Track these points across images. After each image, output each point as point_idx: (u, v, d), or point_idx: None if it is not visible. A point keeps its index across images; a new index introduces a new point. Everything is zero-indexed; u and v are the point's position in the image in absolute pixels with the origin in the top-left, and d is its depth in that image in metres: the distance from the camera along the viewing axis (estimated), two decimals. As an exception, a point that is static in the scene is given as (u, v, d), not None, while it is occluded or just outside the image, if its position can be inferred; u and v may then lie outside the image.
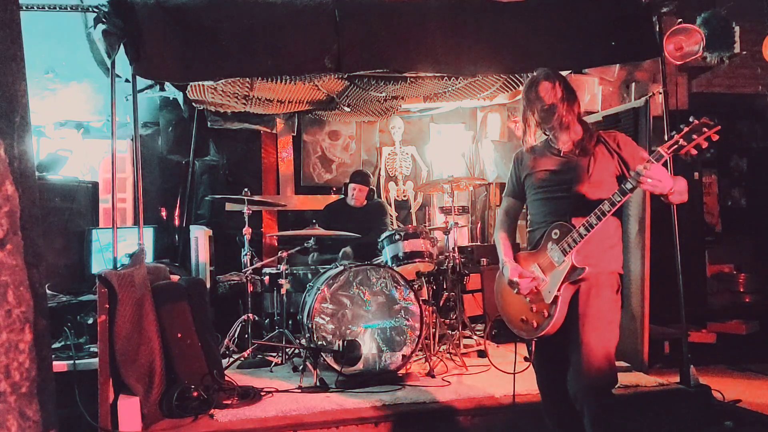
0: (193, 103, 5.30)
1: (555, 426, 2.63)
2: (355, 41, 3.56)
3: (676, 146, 2.23)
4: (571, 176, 2.48)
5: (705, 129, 2.19)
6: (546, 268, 2.45)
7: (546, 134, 2.59)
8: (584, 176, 2.46)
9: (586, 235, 2.34)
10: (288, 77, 4.45)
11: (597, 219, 2.33)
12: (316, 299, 3.79)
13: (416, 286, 4.16)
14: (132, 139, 5.10)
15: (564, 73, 3.01)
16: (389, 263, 4.24)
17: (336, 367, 3.71)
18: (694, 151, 2.22)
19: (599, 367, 2.32)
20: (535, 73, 2.55)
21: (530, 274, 2.47)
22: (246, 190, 4.59)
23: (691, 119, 2.21)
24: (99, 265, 4.23)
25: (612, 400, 2.41)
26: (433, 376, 3.88)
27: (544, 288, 2.44)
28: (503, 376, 3.88)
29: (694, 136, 2.20)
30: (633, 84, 5.67)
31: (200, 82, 4.50)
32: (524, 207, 2.75)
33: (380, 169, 6.40)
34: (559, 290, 2.39)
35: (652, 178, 2.24)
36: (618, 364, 3.13)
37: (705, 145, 2.21)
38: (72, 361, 3.25)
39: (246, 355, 4.30)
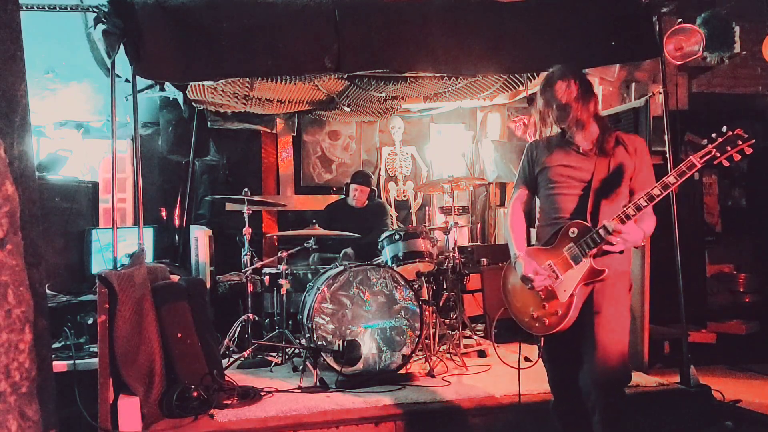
0: (193, 103, 5.30)
1: (563, 425, 2.62)
2: (355, 41, 3.56)
3: (709, 156, 2.21)
4: (590, 174, 2.45)
5: (739, 141, 2.19)
6: (562, 266, 2.42)
7: (563, 129, 2.56)
8: (603, 175, 2.43)
9: (607, 236, 2.31)
10: (288, 77, 4.45)
11: (620, 222, 2.30)
12: (316, 299, 3.79)
13: (416, 286, 4.16)
14: (132, 139, 5.09)
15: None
16: (389, 263, 4.24)
17: (336, 367, 3.71)
18: (726, 163, 2.21)
19: (614, 365, 2.33)
20: (551, 70, 2.52)
21: (545, 271, 2.43)
22: (246, 190, 4.59)
23: (724, 129, 2.21)
24: (99, 265, 4.23)
25: (624, 398, 2.42)
26: (433, 376, 3.88)
27: (559, 286, 2.41)
28: (503, 376, 3.89)
29: (728, 148, 2.20)
30: (633, 84, 5.67)
31: (200, 82, 4.50)
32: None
33: (380, 169, 6.40)
34: (575, 290, 2.37)
35: (623, 238, 2.26)
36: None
37: (738, 158, 2.21)
38: (72, 361, 3.25)
39: (246, 355, 4.30)
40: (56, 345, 3.43)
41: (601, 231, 2.31)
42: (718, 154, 2.20)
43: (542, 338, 2.50)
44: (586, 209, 2.42)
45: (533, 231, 2.73)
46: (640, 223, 2.36)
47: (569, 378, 2.46)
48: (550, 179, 2.54)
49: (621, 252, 2.40)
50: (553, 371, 2.61)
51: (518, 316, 2.57)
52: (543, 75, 4.85)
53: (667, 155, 3.79)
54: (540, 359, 2.62)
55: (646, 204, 2.28)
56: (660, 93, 3.99)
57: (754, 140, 2.19)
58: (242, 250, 4.59)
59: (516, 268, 2.52)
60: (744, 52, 5.21)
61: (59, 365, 3.18)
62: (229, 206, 5.69)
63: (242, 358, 4.29)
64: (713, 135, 2.22)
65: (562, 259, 2.42)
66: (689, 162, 2.23)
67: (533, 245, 2.59)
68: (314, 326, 3.76)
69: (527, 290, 2.48)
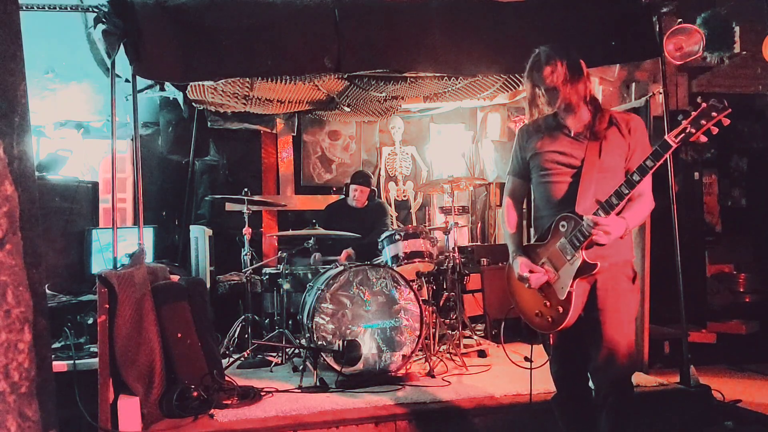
0: (193, 103, 5.30)
1: (564, 419, 2.61)
2: (355, 41, 3.56)
3: (684, 134, 2.10)
4: (581, 160, 2.37)
5: (714, 113, 2.05)
6: (557, 262, 2.37)
7: (555, 112, 2.46)
8: (594, 161, 2.34)
9: (592, 226, 2.24)
10: (288, 77, 4.45)
11: (605, 213, 2.24)
12: (316, 299, 3.79)
13: (416, 286, 4.16)
14: (132, 139, 5.10)
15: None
16: (389, 263, 4.24)
17: (336, 367, 3.71)
18: (704, 138, 2.09)
19: (622, 360, 2.32)
20: (537, 52, 2.40)
21: (541, 269, 2.39)
22: (246, 190, 4.59)
23: (699, 100, 2.08)
24: (99, 265, 4.22)
25: (632, 390, 2.43)
26: (433, 376, 3.88)
27: (556, 283, 2.37)
28: (503, 376, 3.89)
29: (703, 122, 2.07)
30: (633, 84, 5.67)
31: (200, 82, 4.50)
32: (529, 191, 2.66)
33: (380, 169, 6.40)
34: (572, 286, 2.31)
35: (603, 230, 2.20)
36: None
37: (715, 131, 2.08)
38: (72, 361, 3.25)
39: (246, 355, 4.30)
40: (56, 345, 3.42)
41: (588, 220, 2.24)
42: (694, 130, 2.08)
43: (550, 336, 2.47)
44: (575, 198, 2.34)
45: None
46: (625, 211, 2.29)
47: (573, 371, 2.47)
48: (542, 167, 2.47)
49: (602, 245, 2.31)
50: (557, 364, 2.57)
51: (524, 314, 2.54)
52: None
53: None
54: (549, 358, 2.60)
55: (627, 191, 2.21)
56: (660, 93, 3.99)
57: (730, 110, 2.06)
58: (242, 250, 4.59)
59: (513, 266, 2.50)
60: (744, 52, 5.21)
61: (59, 365, 3.17)
62: (229, 206, 5.68)
63: (242, 358, 4.29)
64: (688, 108, 2.15)
65: (556, 255, 2.37)
66: (664, 143, 2.14)
67: (530, 241, 2.56)
68: (314, 326, 3.76)
69: (529, 289, 2.45)
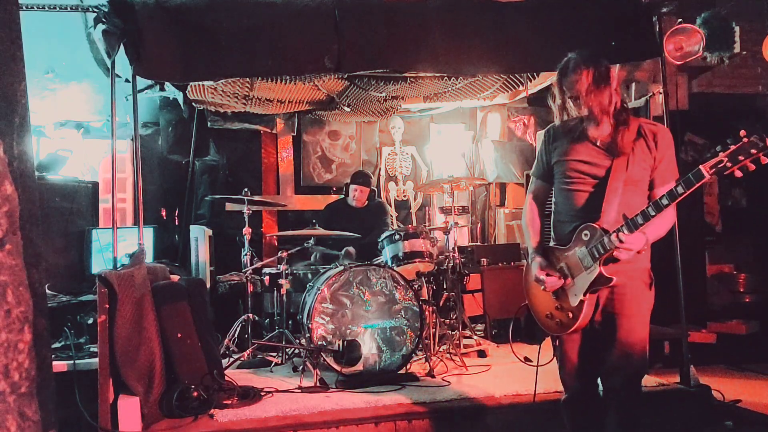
0: (193, 103, 5.30)
1: (572, 422, 2.61)
2: (355, 41, 3.56)
3: (719, 167, 2.03)
4: (605, 170, 2.36)
5: (753, 150, 1.97)
6: (574, 268, 2.38)
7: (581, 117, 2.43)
8: (621, 174, 2.33)
9: (617, 245, 2.24)
10: (288, 77, 4.45)
11: (629, 231, 2.22)
12: (316, 299, 3.79)
13: (416, 286, 4.16)
14: (132, 139, 5.10)
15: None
16: (389, 263, 4.24)
17: (336, 367, 3.71)
18: (738, 173, 2.02)
19: (636, 361, 2.37)
20: (568, 57, 2.40)
21: (557, 274, 2.41)
22: (246, 190, 4.59)
23: (741, 134, 2.00)
24: (99, 265, 4.23)
25: (641, 390, 2.48)
26: (433, 376, 3.88)
27: (570, 289, 2.39)
28: (503, 376, 3.89)
29: (741, 157, 1.99)
30: (633, 84, 5.67)
31: (200, 82, 4.50)
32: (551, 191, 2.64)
33: (380, 169, 6.40)
34: (584, 295, 2.33)
35: (626, 249, 2.21)
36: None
37: (752, 168, 1.99)
38: (72, 361, 3.25)
39: (246, 355, 4.30)
40: (56, 345, 3.43)
41: (612, 238, 2.25)
42: (730, 164, 2.01)
43: (557, 338, 2.51)
44: (601, 208, 2.34)
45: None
46: (646, 226, 2.27)
47: (581, 372, 2.48)
48: (566, 174, 2.46)
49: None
50: (567, 366, 2.56)
51: (536, 314, 2.58)
52: (543, 74, 4.84)
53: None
54: (554, 357, 2.62)
55: (654, 213, 2.19)
56: (660, 93, 4.00)
57: None
58: (242, 250, 4.59)
59: (531, 267, 2.50)
60: (744, 52, 5.21)
61: (59, 365, 3.18)
62: (229, 206, 5.69)
63: (242, 358, 4.29)
64: (728, 141, 2.03)
65: (575, 262, 2.38)
66: (698, 172, 2.08)
67: (551, 245, 2.56)
68: (314, 326, 3.76)
69: (543, 290, 2.47)
